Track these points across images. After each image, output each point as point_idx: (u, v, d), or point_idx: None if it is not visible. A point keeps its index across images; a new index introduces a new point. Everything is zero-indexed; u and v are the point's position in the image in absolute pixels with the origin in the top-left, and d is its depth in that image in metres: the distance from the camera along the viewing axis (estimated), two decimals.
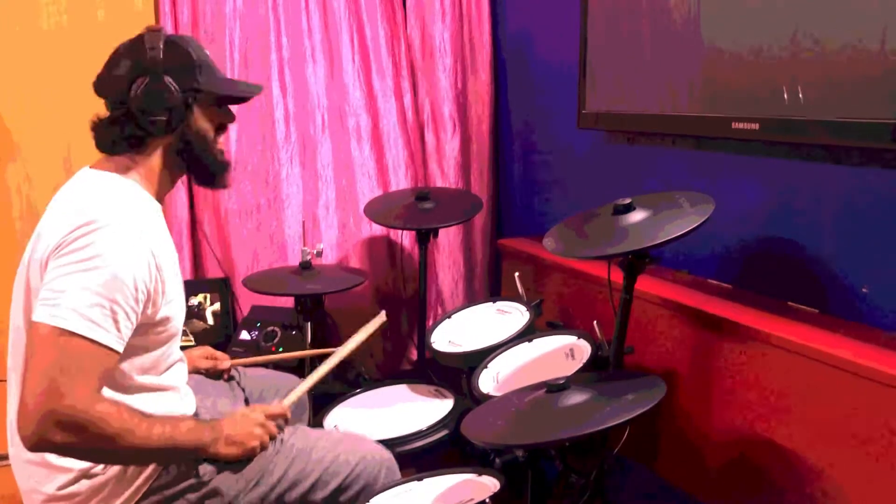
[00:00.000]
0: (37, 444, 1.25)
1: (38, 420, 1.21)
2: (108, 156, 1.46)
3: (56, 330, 1.23)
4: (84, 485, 1.38)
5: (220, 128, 1.53)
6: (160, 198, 1.48)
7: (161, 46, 1.40)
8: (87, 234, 1.29)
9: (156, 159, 1.46)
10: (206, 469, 1.46)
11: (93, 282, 1.26)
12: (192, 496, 1.45)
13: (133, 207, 1.38)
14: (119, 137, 1.42)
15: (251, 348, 2.44)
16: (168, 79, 1.40)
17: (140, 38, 1.42)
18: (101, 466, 1.38)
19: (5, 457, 1.48)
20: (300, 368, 2.35)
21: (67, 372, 1.23)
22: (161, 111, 1.40)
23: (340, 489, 1.55)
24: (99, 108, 1.46)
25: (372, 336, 1.90)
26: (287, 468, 1.53)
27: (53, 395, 1.21)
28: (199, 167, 1.51)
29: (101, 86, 1.43)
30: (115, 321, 1.27)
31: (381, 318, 1.94)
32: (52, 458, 1.38)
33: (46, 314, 1.24)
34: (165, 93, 1.40)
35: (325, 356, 1.85)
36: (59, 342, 1.23)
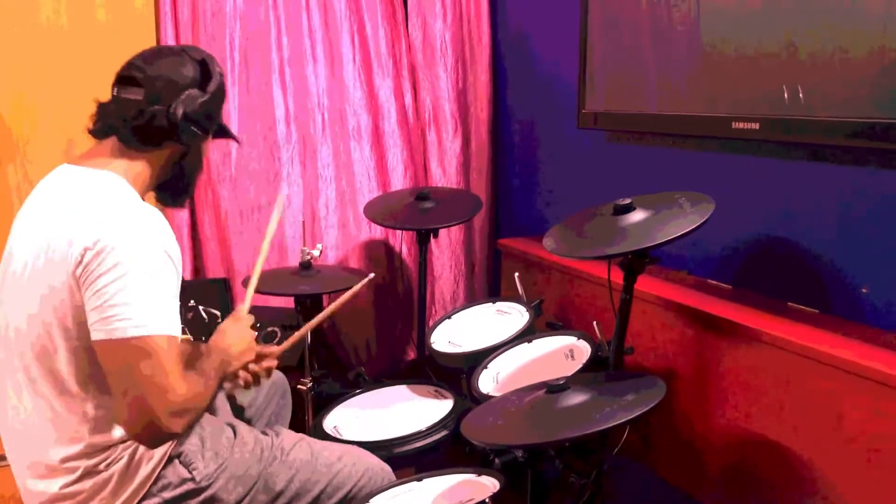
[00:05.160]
0: (163, 440, 1.39)
1: (157, 422, 1.30)
2: (98, 150, 1.45)
3: (140, 339, 1.29)
4: (87, 483, 1.39)
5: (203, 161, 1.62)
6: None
7: (220, 73, 1.50)
8: (139, 243, 1.31)
9: (154, 164, 1.47)
10: (203, 474, 1.47)
11: (158, 286, 1.32)
12: (192, 502, 1.46)
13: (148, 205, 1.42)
14: (144, 131, 1.42)
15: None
16: (215, 102, 1.48)
17: (192, 55, 1.48)
18: (104, 464, 1.39)
19: (5, 457, 1.48)
20: (300, 368, 2.35)
21: (163, 371, 1.30)
22: (199, 126, 1.46)
23: (344, 501, 1.57)
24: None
25: (359, 291, 1.88)
26: (290, 479, 1.55)
27: (162, 396, 1.30)
28: (180, 183, 1.55)
29: (150, 79, 1.42)
30: (175, 309, 1.35)
31: (370, 276, 1.91)
32: (56, 458, 1.38)
33: (127, 327, 1.28)
34: (210, 113, 1.48)
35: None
36: (147, 348, 1.29)
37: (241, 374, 1.57)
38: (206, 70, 1.47)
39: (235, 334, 1.56)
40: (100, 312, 1.29)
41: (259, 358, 1.62)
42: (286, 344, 1.72)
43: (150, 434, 1.33)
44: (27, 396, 1.39)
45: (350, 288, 1.84)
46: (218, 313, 2.51)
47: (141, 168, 1.45)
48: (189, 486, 1.45)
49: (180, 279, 1.39)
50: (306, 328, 1.80)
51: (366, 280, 1.86)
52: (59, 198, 1.40)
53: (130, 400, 1.30)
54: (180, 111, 1.42)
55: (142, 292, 1.29)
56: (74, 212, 1.35)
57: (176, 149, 1.48)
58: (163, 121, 1.41)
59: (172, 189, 1.55)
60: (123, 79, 1.44)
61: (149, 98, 1.41)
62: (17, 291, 1.40)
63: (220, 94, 1.51)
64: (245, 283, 2.34)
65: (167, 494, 1.43)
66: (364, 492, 1.60)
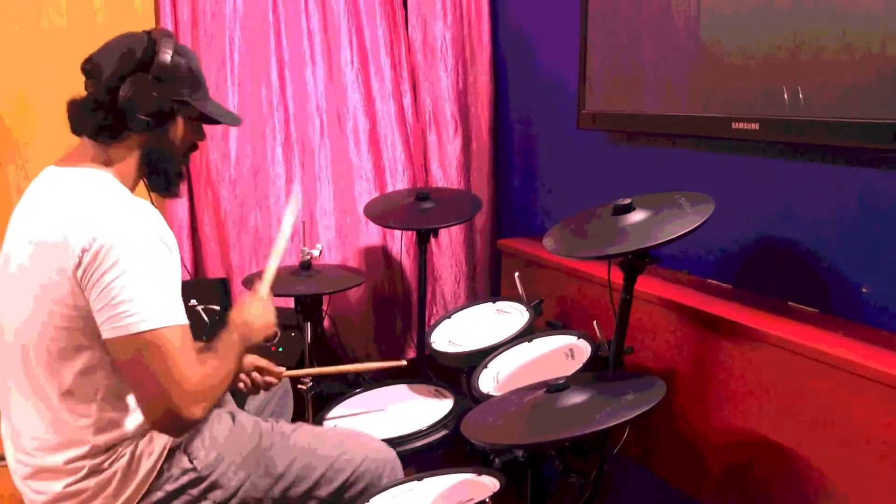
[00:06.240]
0: (186, 428, 1.40)
1: (181, 411, 1.32)
2: (80, 149, 1.45)
3: (150, 333, 1.30)
4: (91, 481, 1.39)
5: (193, 146, 1.58)
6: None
7: (170, 52, 1.43)
8: (135, 238, 1.32)
9: (131, 156, 1.46)
10: (203, 463, 1.48)
11: (161, 278, 1.33)
12: (193, 491, 1.47)
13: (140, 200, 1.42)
14: (101, 124, 1.41)
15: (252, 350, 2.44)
16: (164, 84, 1.42)
17: (151, 37, 1.44)
18: (108, 462, 1.39)
19: (5, 457, 1.48)
20: (300, 368, 2.34)
21: (176, 360, 1.31)
22: (147, 111, 1.41)
23: (345, 486, 1.58)
24: None
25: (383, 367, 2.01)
26: (291, 463, 1.55)
27: (177, 386, 1.31)
28: (159, 173, 1.52)
29: (97, 67, 1.41)
30: (178, 297, 1.36)
31: (401, 363, 2.01)
32: (61, 460, 1.38)
33: (135, 322, 1.29)
34: (158, 96, 1.41)
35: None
36: (157, 341, 1.30)
37: (243, 377, 1.60)
38: (151, 51, 1.42)
39: (258, 308, 1.57)
40: (107, 311, 1.30)
41: (262, 371, 1.64)
42: (292, 372, 1.79)
43: (171, 423, 1.35)
44: (30, 399, 1.40)
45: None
46: (217, 308, 2.52)
47: (120, 161, 1.44)
48: (191, 475, 1.47)
49: (179, 267, 1.39)
50: (314, 371, 1.96)
51: (396, 362, 2.01)
52: (50, 199, 1.40)
53: (148, 392, 1.32)
54: (125, 99, 1.39)
55: (145, 286, 1.30)
56: (67, 212, 1.35)
57: (140, 138, 1.44)
58: (111, 111, 1.39)
59: (157, 179, 1.53)
60: (83, 72, 1.44)
61: (97, 90, 1.40)
62: (14, 294, 1.40)
63: (171, 74, 1.42)
64: (245, 282, 2.35)
65: (170, 486, 1.45)
66: (365, 476, 1.60)
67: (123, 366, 1.33)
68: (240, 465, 1.51)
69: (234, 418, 1.58)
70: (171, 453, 1.45)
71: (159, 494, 1.43)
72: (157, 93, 1.41)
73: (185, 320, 1.35)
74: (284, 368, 1.75)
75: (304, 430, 1.63)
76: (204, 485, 1.48)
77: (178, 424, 1.35)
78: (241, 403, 1.78)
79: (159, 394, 1.31)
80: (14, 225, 1.45)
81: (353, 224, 2.88)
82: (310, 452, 1.58)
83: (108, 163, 1.43)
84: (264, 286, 1.67)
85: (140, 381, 1.32)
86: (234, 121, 1.64)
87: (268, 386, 1.67)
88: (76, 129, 1.46)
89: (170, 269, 1.35)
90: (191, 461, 1.47)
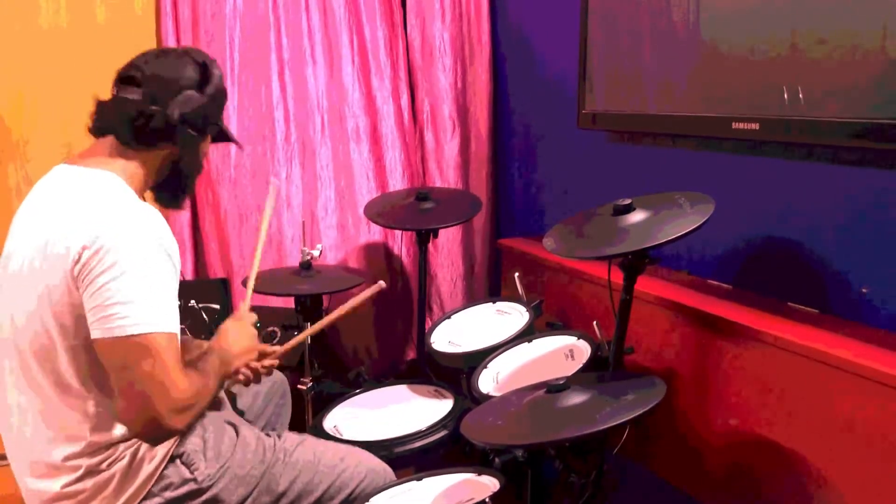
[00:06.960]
0: (165, 438, 1.38)
1: (160, 419, 1.30)
2: (96, 149, 1.45)
3: (140, 337, 1.29)
4: (89, 482, 1.39)
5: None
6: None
7: (220, 75, 1.51)
8: (135, 241, 1.32)
9: (153, 164, 1.47)
10: (204, 475, 1.47)
11: (156, 283, 1.32)
12: (194, 503, 1.46)
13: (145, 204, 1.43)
14: (143, 131, 1.42)
15: None
16: (213, 104, 1.49)
17: (204, 58, 1.49)
18: (106, 463, 1.39)
19: (5, 457, 1.48)
20: (300, 368, 2.35)
21: (164, 368, 1.31)
22: (196, 127, 1.47)
23: (347, 502, 1.57)
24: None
25: (368, 300, 1.87)
26: (293, 480, 1.55)
27: (164, 394, 1.30)
28: (177, 184, 1.55)
29: (150, 79, 1.42)
30: (174, 306, 1.36)
31: (380, 285, 1.89)
32: (58, 457, 1.38)
33: (126, 325, 1.29)
34: (206, 114, 1.48)
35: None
36: (147, 346, 1.29)
37: (243, 370, 1.59)
38: (205, 72, 1.47)
39: (236, 334, 1.58)
40: (99, 311, 1.29)
41: (261, 356, 1.64)
42: (288, 345, 1.74)
43: (151, 431, 1.33)
44: (28, 395, 1.40)
45: (351, 288, 1.84)
46: (217, 307, 2.52)
47: (138, 168, 1.45)
48: (191, 486, 1.45)
49: (178, 276, 1.39)
50: (308, 332, 1.81)
51: (376, 288, 1.85)
52: (57, 197, 1.40)
53: (131, 398, 1.31)
54: (177, 112, 1.42)
55: (140, 290, 1.30)
56: (72, 211, 1.35)
57: (172, 150, 1.48)
58: (160, 122, 1.42)
59: (169, 190, 1.55)
60: (123, 78, 1.45)
61: (147, 98, 1.42)
62: (15, 291, 1.40)
63: (219, 96, 1.51)
64: (244, 282, 2.34)
65: (169, 494, 1.44)
66: (366, 493, 1.61)
67: (110, 369, 1.32)
68: (241, 481, 1.50)
69: (237, 431, 1.57)
70: (172, 460, 1.45)
71: (157, 500, 1.43)
72: (207, 112, 1.47)
73: (176, 329, 1.34)
74: (279, 347, 1.73)
75: (307, 446, 1.62)
76: (204, 497, 1.47)
77: (158, 433, 1.34)
78: (232, 402, 1.78)
79: (144, 400, 1.30)
80: (19, 222, 1.45)
81: (354, 223, 2.88)
82: (312, 469, 1.57)
83: (124, 167, 1.44)
84: (245, 305, 1.70)
85: (126, 386, 1.31)
86: (237, 143, 1.73)
87: (269, 371, 1.66)
88: (103, 130, 1.46)
89: (167, 275, 1.34)
90: (191, 472, 1.46)
